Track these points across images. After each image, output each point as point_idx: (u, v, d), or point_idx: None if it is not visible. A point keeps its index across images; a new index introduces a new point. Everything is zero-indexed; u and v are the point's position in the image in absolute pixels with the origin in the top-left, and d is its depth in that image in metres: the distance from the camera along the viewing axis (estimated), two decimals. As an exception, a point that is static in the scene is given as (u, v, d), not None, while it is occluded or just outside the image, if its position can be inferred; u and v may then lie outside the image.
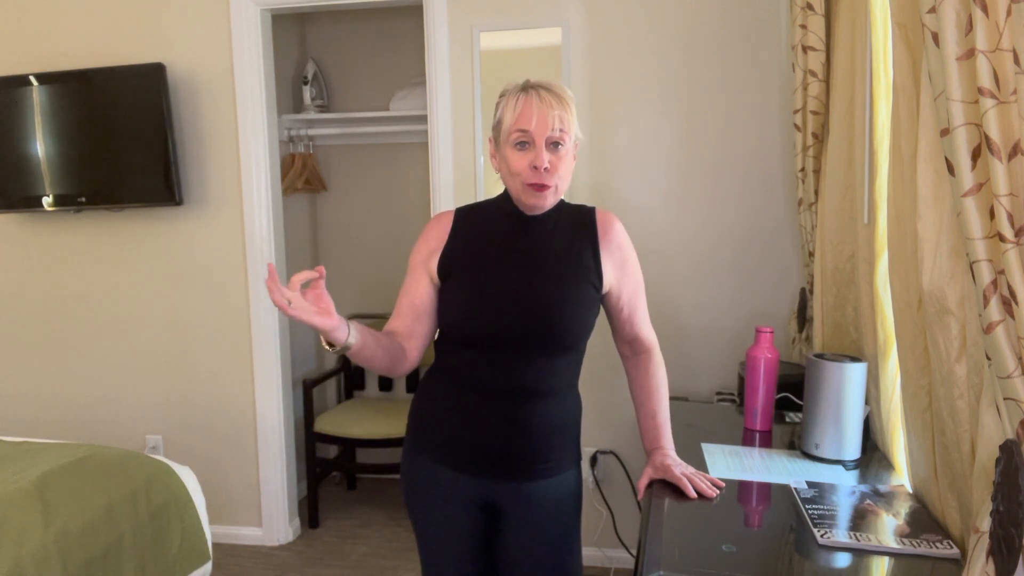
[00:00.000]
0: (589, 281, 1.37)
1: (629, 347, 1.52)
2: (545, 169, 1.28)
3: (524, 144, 1.30)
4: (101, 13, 2.76)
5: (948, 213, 1.14)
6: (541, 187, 1.30)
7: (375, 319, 3.52)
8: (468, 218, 1.44)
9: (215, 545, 2.91)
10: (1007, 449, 0.92)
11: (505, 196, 1.42)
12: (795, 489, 1.37)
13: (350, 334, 1.21)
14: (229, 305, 2.82)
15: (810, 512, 1.26)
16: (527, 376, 1.35)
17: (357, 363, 1.30)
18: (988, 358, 0.93)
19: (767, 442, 1.68)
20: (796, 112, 2.08)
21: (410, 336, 1.40)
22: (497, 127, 1.35)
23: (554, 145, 1.29)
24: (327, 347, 1.21)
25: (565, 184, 1.35)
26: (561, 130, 1.29)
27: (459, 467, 1.40)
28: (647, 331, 1.50)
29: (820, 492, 1.35)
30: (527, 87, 1.32)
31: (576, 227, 1.41)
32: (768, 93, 2.39)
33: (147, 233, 2.85)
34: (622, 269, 1.42)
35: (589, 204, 1.49)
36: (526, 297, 1.33)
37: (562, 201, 1.44)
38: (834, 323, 1.93)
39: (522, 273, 1.35)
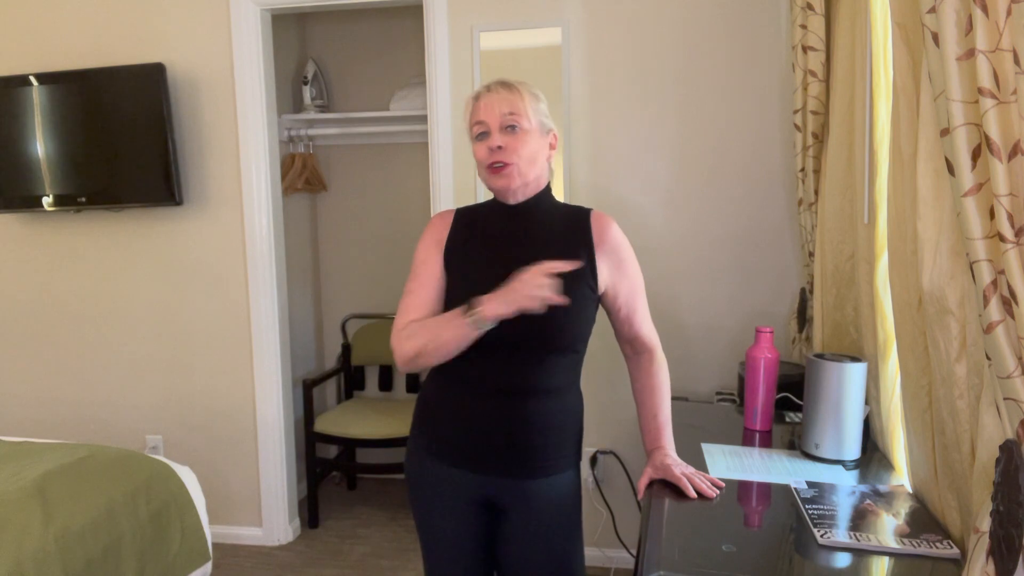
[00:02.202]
0: (584, 282, 1.38)
1: (630, 346, 1.52)
2: (499, 147, 1.34)
3: (484, 135, 1.37)
4: (101, 13, 2.76)
5: (948, 213, 1.14)
6: (500, 167, 1.35)
7: (375, 319, 3.53)
8: (465, 218, 1.47)
9: (215, 545, 2.91)
10: (1007, 449, 0.92)
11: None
12: (795, 489, 1.37)
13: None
14: (229, 305, 2.82)
15: (810, 512, 1.26)
16: (525, 376, 1.35)
17: (456, 344, 1.32)
18: (988, 358, 0.93)
19: (767, 442, 1.68)
20: (796, 112, 2.08)
21: None
22: (469, 132, 1.42)
23: (509, 128, 1.35)
24: (478, 320, 1.27)
25: (531, 167, 1.38)
26: (512, 113, 1.35)
27: (461, 464, 1.41)
28: (647, 331, 1.50)
29: (820, 492, 1.35)
30: (483, 87, 1.40)
31: (571, 228, 1.42)
32: (768, 93, 2.39)
33: (147, 233, 2.85)
34: (618, 270, 1.43)
35: (589, 203, 1.50)
36: None
37: (557, 201, 1.46)
38: (834, 323, 1.93)
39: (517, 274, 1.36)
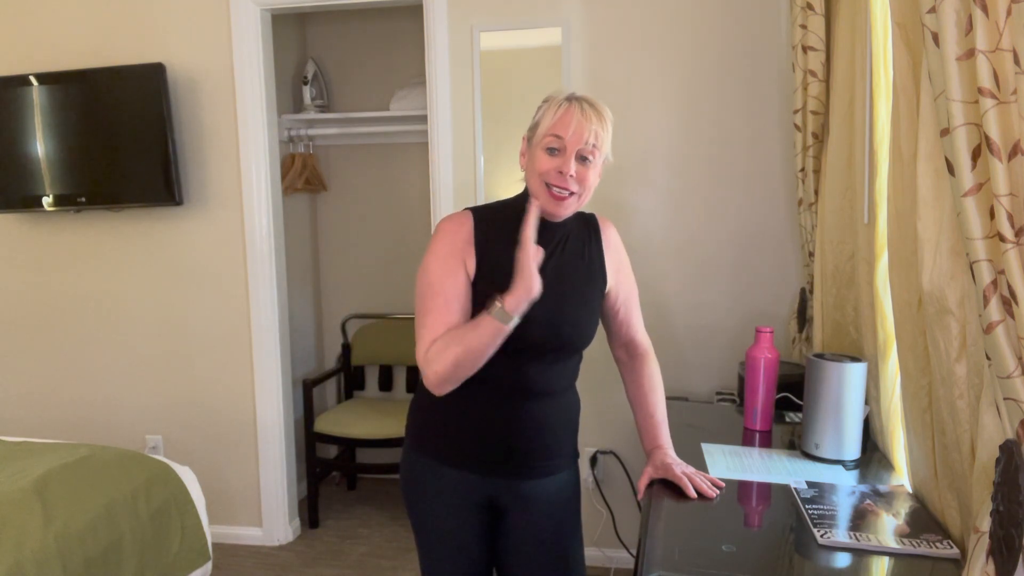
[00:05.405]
0: (599, 286, 1.41)
1: (625, 350, 1.54)
2: (571, 176, 1.28)
3: (555, 150, 1.29)
4: (101, 13, 2.76)
5: (948, 213, 1.14)
6: (563, 193, 1.29)
7: (374, 319, 3.53)
8: (488, 221, 1.39)
9: (215, 545, 2.91)
10: (1007, 449, 0.92)
11: (524, 197, 1.38)
12: (795, 489, 1.37)
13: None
14: (229, 305, 2.82)
15: (810, 512, 1.26)
16: (537, 378, 1.36)
17: (490, 347, 1.26)
18: (988, 358, 0.93)
19: (767, 442, 1.68)
20: (796, 112, 2.08)
21: None
22: (533, 128, 1.35)
23: (583, 159, 1.30)
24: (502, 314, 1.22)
25: (586, 197, 1.34)
26: (594, 145, 1.29)
27: (460, 465, 1.40)
28: (642, 333, 1.53)
29: (820, 492, 1.35)
30: (572, 98, 1.32)
31: (584, 233, 1.44)
32: (768, 93, 2.39)
33: (147, 233, 2.85)
34: (619, 271, 1.46)
35: (589, 204, 1.50)
36: (552, 306, 1.32)
37: None
38: (834, 323, 1.93)
39: (546, 281, 1.33)
